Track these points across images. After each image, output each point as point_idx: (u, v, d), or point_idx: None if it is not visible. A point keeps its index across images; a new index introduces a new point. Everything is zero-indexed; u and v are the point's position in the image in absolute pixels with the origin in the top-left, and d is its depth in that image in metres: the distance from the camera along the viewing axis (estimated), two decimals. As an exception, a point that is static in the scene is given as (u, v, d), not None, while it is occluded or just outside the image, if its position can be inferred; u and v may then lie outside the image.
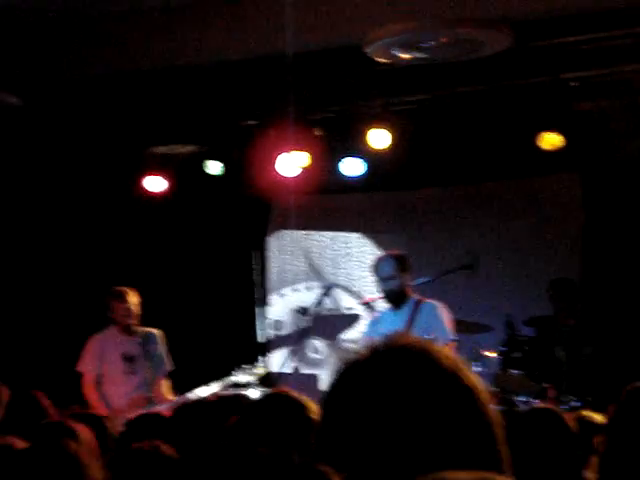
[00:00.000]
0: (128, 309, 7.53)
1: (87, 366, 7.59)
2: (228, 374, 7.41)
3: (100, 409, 6.95)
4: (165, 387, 7.65)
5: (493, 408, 1.45)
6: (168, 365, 7.74)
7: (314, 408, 3.29)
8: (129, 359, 7.59)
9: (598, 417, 3.59)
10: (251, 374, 7.47)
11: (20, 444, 2.70)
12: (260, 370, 7.56)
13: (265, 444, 3.08)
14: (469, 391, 1.42)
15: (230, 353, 8.80)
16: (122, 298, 7.54)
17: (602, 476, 1.54)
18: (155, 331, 7.75)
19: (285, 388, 3.53)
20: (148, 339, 7.65)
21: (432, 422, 1.38)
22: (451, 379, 1.42)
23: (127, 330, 7.60)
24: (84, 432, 3.53)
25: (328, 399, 1.48)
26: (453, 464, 1.32)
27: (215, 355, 8.92)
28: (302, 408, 3.24)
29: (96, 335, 7.71)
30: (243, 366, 7.49)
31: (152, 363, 7.60)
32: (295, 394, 3.35)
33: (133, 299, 7.56)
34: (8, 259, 8.98)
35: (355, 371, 1.47)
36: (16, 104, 8.00)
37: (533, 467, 2.93)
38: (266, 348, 9.95)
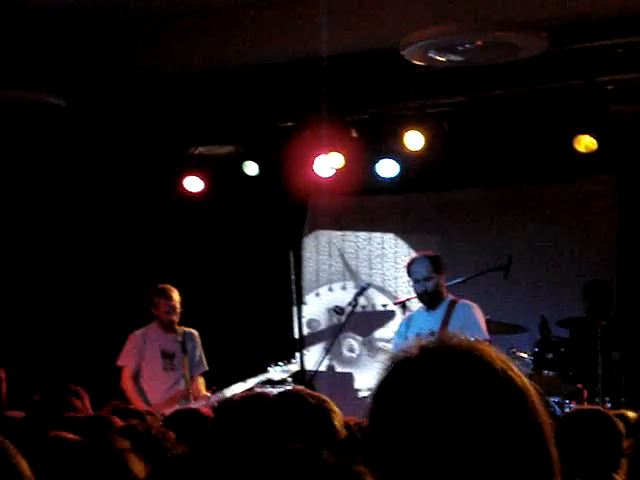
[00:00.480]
0: (172, 306, 7.63)
1: (127, 361, 7.69)
2: (263, 371, 7.51)
3: (138, 404, 7.05)
4: (201, 384, 7.76)
5: (544, 411, 1.44)
6: (204, 365, 7.86)
7: (332, 408, 3.22)
8: (168, 356, 7.70)
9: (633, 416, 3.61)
10: (285, 371, 7.55)
11: (71, 436, 2.79)
12: (294, 367, 7.64)
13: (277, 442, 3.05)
14: (520, 393, 1.42)
15: (266, 351, 8.88)
16: (166, 295, 7.64)
17: (630, 478, 1.56)
18: (193, 331, 7.86)
19: (301, 388, 3.43)
20: (187, 338, 7.76)
21: (483, 423, 1.37)
22: (503, 380, 1.41)
23: (168, 327, 7.70)
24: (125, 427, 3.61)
25: (377, 397, 1.47)
26: (504, 466, 1.33)
27: (251, 353, 8.99)
28: (316, 409, 3.17)
29: (137, 331, 7.81)
30: (278, 363, 7.58)
31: (190, 361, 7.72)
32: (311, 394, 3.28)
33: (176, 296, 7.67)
34: (56, 257, 9.13)
35: (405, 370, 1.45)
36: (60, 105, 8.13)
37: (576, 469, 2.89)
38: (301, 346, 10.02)
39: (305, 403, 3.11)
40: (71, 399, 5.41)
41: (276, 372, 7.54)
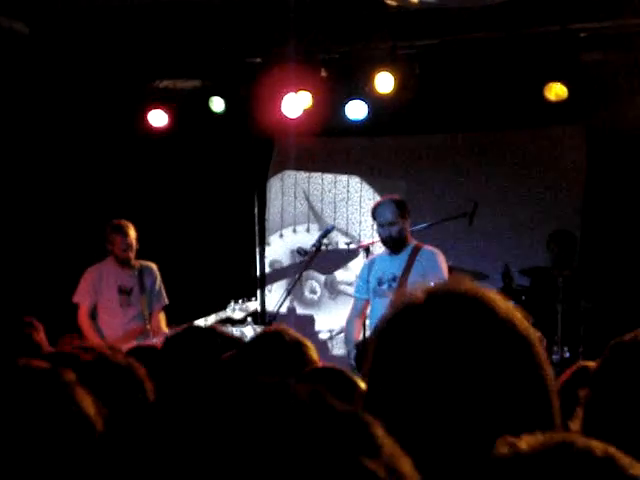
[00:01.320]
0: (127, 242, 7.54)
1: (83, 297, 7.61)
2: (223, 308, 7.47)
3: (95, 340, 7.01)
4: (161, 320, 7.70)
5: (546, 357, 1.43)
6: (164, 299, 7.78)
7: (311, 348, 3.29)
8: (125, 291, 7.63)
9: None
10: (244, 309, 7.52)
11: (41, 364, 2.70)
12: (253, 305, 7.61)
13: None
14: (525, 341, 1.41)
15: (227, 290, 8.84)
16: (122, 231, 7.54)
17: (585, 428, 1.56)
18: (152, 264, 7.78)
19: (282, 326, 3.51)
20: (144, 272, 7.68)
21: (488, 370, 1.36)
22: (508, 328, 1.40)
23: (124, 263, 7.62)
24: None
25: (381, 340, 1.46)
26: (506, 413, 1.32)
27: (212, 291, 8.95)
28: (299, 347, 3.24)
29: (93, 267, 7.72)
30: (238, 301, 7.54)
31: (148, 296, 7.65)
32: (292, 333, 3.35)
33: (132, 233, 7.56)
34: (12, 189, 8.95)
35: (411, 314, 1.44)
36: (22, 31, 7.92)
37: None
38: (262, 286, 10.00)
39: (287, 341, 3.16)
40: (29, 331, 5.33)
41: (235, 310, 7.50)
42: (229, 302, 7.49)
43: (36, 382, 1.79)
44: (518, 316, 1.43)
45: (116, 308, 7.59)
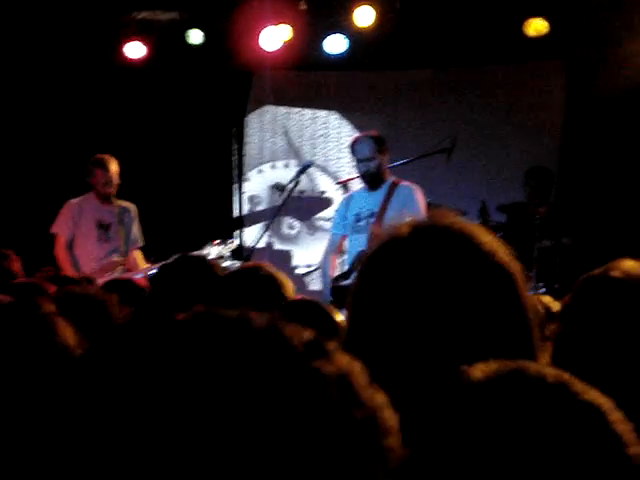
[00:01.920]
0: (109, 177, 7.49)
1: (61, 228, 7.59)
2: (200, 248, 7.46)
3: (70, 272, 7.00)
4: (138, 257, 7.70)
5: (529, 295, 1.44)
6: (139, 240, 7.79)
7: (289, 284, 3.31)
8: (104, 226, 7.61)
9: (556, 305, 3.66)
10: (224, 248, 7.51)
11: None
12: (233, 244, 7.60)
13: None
14: (509, 276, 1.41)
15: (206, 227, 8.84)
16: (104, 166, 7.49)
17: (554, 361, 1.59)
18: (131, 205, 7.77)
19: (261, 262, 3.52)
20: (124, 211, 7.67)
21: (471, 303, 1.37)
22: (491, 260, 1.41)
23: (105, 198, 7.58)
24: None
25: (365, 272, 1.46)
26: (489, 347, 1.32)
27: (190, 229, 8.94)
28: (277, 282, 3.26)
29: (73, 200, 7.68)
30: (217, 240, 7.53)
31: (126, 234, 7.63)
32: (268, 268, 3.36)
33: (114, 168, 7.52)
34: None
35: (396, 247, 1.44)
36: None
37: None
38: (241, 224, 9.99)
39: (259, 275, 3.17)
40: (4, 263, 5.32)
41: (214, 248, 7.49)
42: (207, 242, 7.47)
43: (16, 313, 1.79)
44: (501, 249, 1.44)
45: (94, 242, 7.58)
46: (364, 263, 1.47)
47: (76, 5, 8.69)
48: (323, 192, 9.71)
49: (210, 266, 3.59)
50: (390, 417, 0.86)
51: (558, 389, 1.02)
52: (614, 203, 8.45)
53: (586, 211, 8.27)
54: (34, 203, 8.75)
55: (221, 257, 7.38)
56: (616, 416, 1.01)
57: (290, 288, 3.29)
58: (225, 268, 6.66)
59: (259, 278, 3.25)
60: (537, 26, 8.01)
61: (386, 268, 1.42)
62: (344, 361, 0.85)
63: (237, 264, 7.08)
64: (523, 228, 7.73)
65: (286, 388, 0.81)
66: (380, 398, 0.86)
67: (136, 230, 7.76)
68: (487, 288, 1.39)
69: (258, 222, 9.69)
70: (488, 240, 1.43)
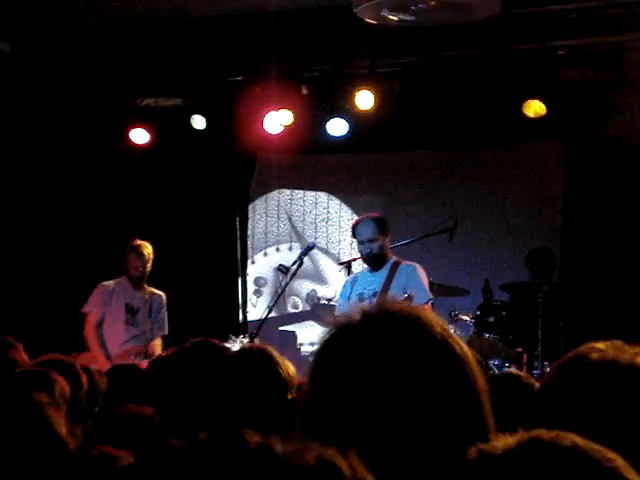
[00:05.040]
0: (140, 262, 7.70)
1: (92, 308, 7.78)
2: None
3: (97, 353, 7.41)
4: (157, 346, 7.81)
5: (482, 377, 1.45)
6: (165, 328, 7.95)
7: (289, 366, 3.33)
8: (132, 310, 7.79)
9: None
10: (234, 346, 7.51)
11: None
12: (243, 342, 7.58)
13: (238, 399, 3.12)
14: (459, 359, 1.42)
15: (211, 309, 8.88)
16: (137, 251, 7.71)
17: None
18: (162, 294, 7.96)
19: (261, 344, 3.53)
20: (154, 298, 7.86)
21: (422, 389, 1.38)
22: (442, 347, 1.42)
23: (137, 283, 7.80)
24: (62, 383, 3.54)
25: (318, 361, 1.47)
26: (442, 431, 1.34)
27: (196, 313, 8.98)
28: (276, 365, 3.27)
29: (107, 282, 7.90)
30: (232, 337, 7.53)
31: (153, 321, 7.76)
32: (270, 350, 3.37)
33: (148, 254, 7.72)
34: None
35: (346, 335, 1.46)
36: (3, 50, 7.95)
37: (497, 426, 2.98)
38: (245, 303, 10.02)
39: (265, 359, 3.21)
40: (8, 352, 5.32)
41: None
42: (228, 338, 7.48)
43: (10, 403, 1.81)
44: (452, 335, 1.46)
45: (120, 324, 7.78)
46: (317, 351, 1.49)
47: (82, 92, 8.85)
48: (326, 272, 9.77)
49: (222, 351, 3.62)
50: None
51: (574, 453, 1.06)
52: (618, 280, 8.45)
53: (590, 289, 8.28)
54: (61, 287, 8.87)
55: (226, 335, 7.38)
56: (632, 475, 1.05)
57: (292, 372, 3.31)
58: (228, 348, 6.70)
59: (261, 361, 3.26)
60: (536, 108, 8.12)
61: (337, 356, 1.44)
62: None
63: (241, 342, 7.10)
64: (527, 307, 7.73)
65: None
66: None
67: (162, 318, 7.93)
68: (437, 371, 1.40)
69: (264, 301, 9.74)
70: (439, 325, 1.45)
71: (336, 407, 1.39)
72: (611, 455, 1.06)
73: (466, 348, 1.45)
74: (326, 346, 1.47)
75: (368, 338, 1.42)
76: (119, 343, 7.68)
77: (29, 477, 1.55)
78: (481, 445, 1.09)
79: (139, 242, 7.75)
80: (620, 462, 1.05)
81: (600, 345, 1.63)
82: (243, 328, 9.46)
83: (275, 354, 3.33)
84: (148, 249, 7.73)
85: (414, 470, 1.18)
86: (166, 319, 7.95)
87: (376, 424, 1.36)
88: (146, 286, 7.86)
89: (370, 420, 1.36)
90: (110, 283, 7.87)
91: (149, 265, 7.75)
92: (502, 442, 1.09)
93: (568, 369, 1.60)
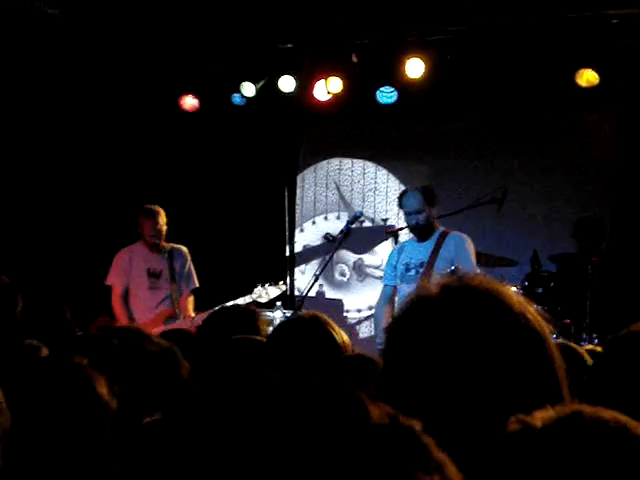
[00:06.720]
0: (156, 228, 7.57)
1: (115, 279, 7.69)
2: (250, 291, 7.50)
3: (125, 322, 7.14)
4: (189, 303, 7.73)
5: (559, 353, 1.45)
6: (194, 282, 7.80)
7: (341, 333, 3.36)
8: (154, 274, 7.67)
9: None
10: (269, 295, 7.54)
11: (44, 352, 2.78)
12: (278, 291, 7.62)
13: (290, 366, 3.15)
14: (537, 336, 1.42)
15: (257, 275, 8.91)
16: (151, 216, 7.58)
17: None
18: (182, 247, 7.80)
19: (315, 312, 3.55)
20: (175, 255, 7.70)
21: (500, 364, 1.38)
22: (521, 322, 1.42)
23: (154, 247, 7.67)
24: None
25: (395, 332, 1.48)
26: (520, 409, 1.31)
27: (243, 275, 9.01)
28: (331, 330, 3.30)
29: (123, 250, 7.78)
30: (265, 285, 7.56)
31: (177, 279, 7.70)
32: (325, 318, 3.40)
33: (162, 219, 7.61)
34: (45, 174, 9.04)
35: (425, 307, 1.46)
36: (55, 14, 8.01)
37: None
38: (293, 271, 10.08)
39: (321, 326, 3.25)
40: (63, 312, 5.40)
41: (262, 293, 7.52)
42: (255, 285, 7.53)
43: (50, 366, 1.85)
44: (530, 310, 1.45)
45: (145, 291, 7.64)
46: (394, 323, 1.49)
47: (131, 57, 8.89)
48: (372, 241, 9.79)
49: (254, 317, 3.64)
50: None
51: (618, 431, 1.05)
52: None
53: (638, 261, 8.19)
54: (87, 254, 8.87)
55: (270, 303, 7.41)
56: None
57: (346, 338, 3.35)
58: (270, 319, 6.75)
59: (316, 328, 3.29)
60: (588, 77, 8.00)
61: (415, 328, 1.44)
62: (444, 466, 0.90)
63: (288, 313, 7.12)
64: (575, 278, 7.68)
65: None
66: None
67: (188, 272, 7.77)
68: (514, 347, 1.40)
69: (312, 268, 9.79)
70: (516, 300, 1.45)
71: (412, 379, 1.40)
72: None
73: (544, 323, 1.45)
74: (404, 318, 1.48)
75: (447, 311, 1.42)
76: (148, 309, 7.54)
77: (72, 437, 1.59)
78: (522, 417, 1.10)
79: (150, 207, 7.60)
80: None
81: None
82: (291, 296, 9.52)
83: (330, 320, 3.37)
84: (161, 213, 7.57)
85: (488, 445, 1.18)
86: (193, 272, 7.76)
87: (453, 397, 1.37)
88: (164, 244, 7.66)
89: (446, 393, 1.37)
90: (127, 250, 7.72)
91: (164, 229, 7.57)
92: (544, 415, 1.09)
93: (621, 345, 1.59)
